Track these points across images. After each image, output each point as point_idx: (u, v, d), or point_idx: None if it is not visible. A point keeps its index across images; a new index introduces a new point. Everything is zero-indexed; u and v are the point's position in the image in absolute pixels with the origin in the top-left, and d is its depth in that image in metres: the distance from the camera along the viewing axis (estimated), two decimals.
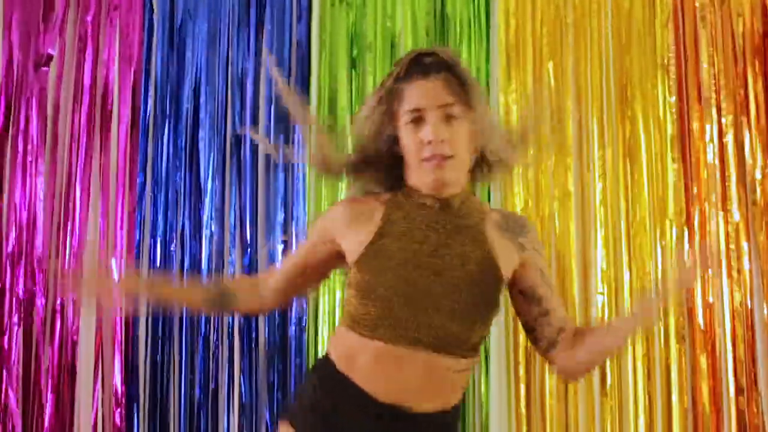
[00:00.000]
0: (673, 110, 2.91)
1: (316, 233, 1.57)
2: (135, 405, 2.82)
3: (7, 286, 2.80)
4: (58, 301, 2.82)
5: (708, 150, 2.88)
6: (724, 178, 2.86)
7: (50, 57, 2.90)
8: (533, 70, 2.96)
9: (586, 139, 2.92)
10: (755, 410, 2.71)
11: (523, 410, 2.79)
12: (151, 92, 2.96)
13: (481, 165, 1.51)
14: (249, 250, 2.89)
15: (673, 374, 2.77)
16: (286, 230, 2.90)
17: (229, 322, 2.87)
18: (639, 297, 1.50)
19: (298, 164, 2.93)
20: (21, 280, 2.81)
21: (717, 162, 2.87)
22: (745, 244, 2.82)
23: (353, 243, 1.48)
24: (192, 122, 2.94)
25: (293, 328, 2.85)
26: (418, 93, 1.43)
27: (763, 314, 2.76)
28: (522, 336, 2.72)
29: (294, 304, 2.86)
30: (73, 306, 2.83)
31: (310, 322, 2.86)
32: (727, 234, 2.83)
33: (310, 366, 2.83)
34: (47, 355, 2.80)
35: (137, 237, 2.89)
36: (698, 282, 2.82)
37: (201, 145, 2.94)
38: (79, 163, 2.88)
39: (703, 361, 2.77)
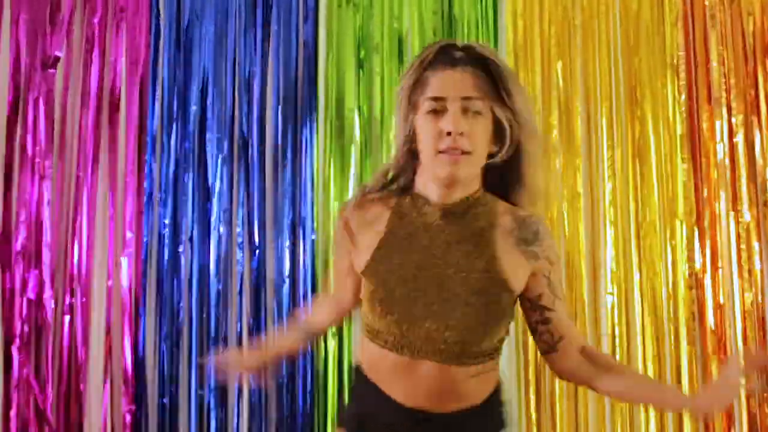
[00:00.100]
0: (683, 110, 2.90)
1: (337, 247, 1.60)
2: (144, 406, 2.82)
3: (17, 287, 2.80)
4: (67, 302, 2.82)
5: (718, 150, 2.87)
6: (734, 178, 2.84)
7: (57, 59, 2.90)
8: (541, 70, 2.95)
9: (596, 140, 2.91)
10: (767, 412, 2.70)
11: (533, 411, 2.77)
12: (159, 94, 2.95)
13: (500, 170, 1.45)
14: (257, 251, 2.88)
15: (684, 376, 2.76)
16: (294, 231, 2.89)
17: (237, 325, 2.86)
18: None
19: (306, 165, 2.92)
20: (29, 282, 2.81)
21: (727, 162, 2.86)
22: (756, 244, 2.80)
23: (361, 251, 1.48)
24: (199, 123, 2.93)
25: None
26: (442, 81, 1.37)
27: None
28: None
29: (303, 302, 2.85)
30: (81, 308, 2.82)
31: None
32: (737, 234, 2.82)
33: (318, 368, 2.83)
34: (57, 356, 2.80)
35: (145, 239, 2.88)
36: (709, 282, 2.80)
37: (208, 146, 2.93)
38: (86, 164, 2.87)
39: (713, 362, 2.75)
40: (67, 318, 2.82)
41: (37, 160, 2.85)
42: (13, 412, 2.75)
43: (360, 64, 2.98)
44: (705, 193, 2.85)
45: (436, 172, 1.39)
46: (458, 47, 1.41)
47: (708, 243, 2.82)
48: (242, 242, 2.90)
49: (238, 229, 2.90)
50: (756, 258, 2.79)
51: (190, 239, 2.89)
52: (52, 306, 2.81)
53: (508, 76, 1.39)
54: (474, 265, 1.39)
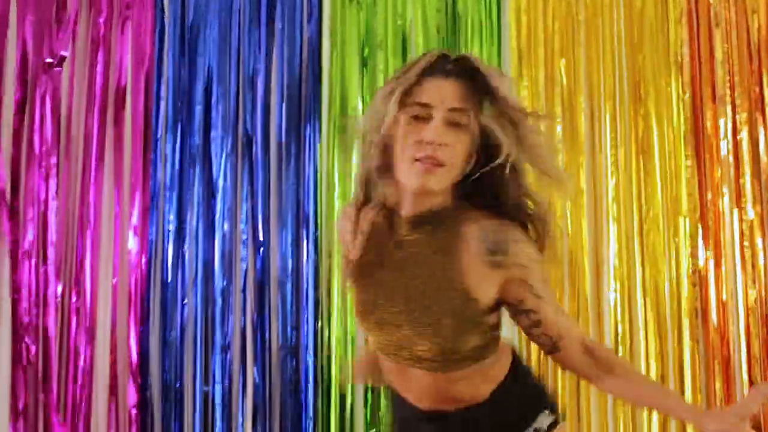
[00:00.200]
0: (687, 107, 2.90)
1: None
2: (149, 402, 2.84)
3: (24, 284, 2.82)
4: (73, 299, 2.84)
5: (722, 147, 2.87)
6: (738, 175, 2.84)
7: (63, 58, 2.92)
8: (545, 67, 2.95)
9: (599, 137, 2.91)
10: None
11: None
12: (163, 92, 2.97)
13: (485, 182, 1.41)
14: (261, 248, 2.90)
15: (687, 372, 2.76)
16: (297, 228, 2.91)
17: (241, 324, 2.88)
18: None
19: (310, 162, 2.93)
20: (36, 279, 2.84)
21: (731, 159, 2.85)
22: (759, 241, 2.80)
23: (349, 261, 1.52)
24: (204, 121, 2.95)
25: (307, 329, 2.86)
26: (432, 89, 1.36)
27: None
28: None
29: (307, 306, 2.87)
30: (87, 304, 2.85)
31: (324, 323, 2.87)
32: (741, 231, 2.81)
33: (321, 367, 2.85)
34: (63, 353, 2.82)
35: (150, 236, 2.90)
36: (712, 279, 2.81)
37: (213, 144, 2.95)
38: (92, 162, 2.90)
39: (716, 359, 2.75)
40: (72, 315, 2.84)
41: (43, 158, 2.88)
42: (21, 407, 2.78)
43: (364, 62, 2.99)
44: (708, 190, 2.84)
45: (410, 180, 1.36)
46: (452, 58, 1.39)
47: (711, 240, 2.82)
48: (246, 239, 2.91)
49: (242, 226, 2.92)
50: (759, 255, 2.79)
51: (195, 237, 2.91)
52: (58, 303, 2.84)
53: (499, 84, 1.36)
54: (438, 276, 1.39)
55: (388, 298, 1.43)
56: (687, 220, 2.84)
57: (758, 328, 2.75)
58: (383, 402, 2.83)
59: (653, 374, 2.75)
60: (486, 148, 1.38)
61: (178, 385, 2.84)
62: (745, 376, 2.73)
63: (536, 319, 1.41)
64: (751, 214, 2.82)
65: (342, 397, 2.84)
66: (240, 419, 2.84)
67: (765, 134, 2.85)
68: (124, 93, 2.94)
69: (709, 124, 2.88)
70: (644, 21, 2.95)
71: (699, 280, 2.81)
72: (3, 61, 2.89)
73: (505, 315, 1.48)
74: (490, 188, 1.41)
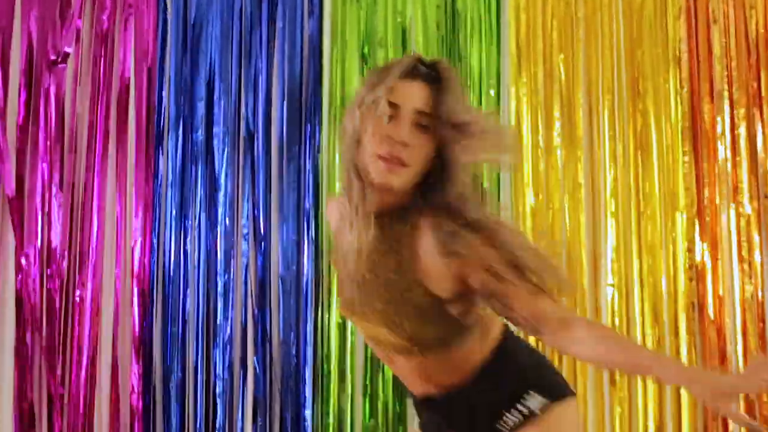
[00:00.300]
0: (685, 102, 2.91)
1: None
2: (152, 394, 2.88)
3: (29, 275, 2.86)
4: (77, 294, 2.88)
5: (720, 142, 2.88)
6: (735, 171, 2.86)
7: (67, 54, 2.97)
8: (544, 63, 2.97)
9: (598, 132, 2.93)
10: (765, 401, 2.72)
11: None
12: (166, 88, 3.01)
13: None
14: (263, 243, 2.93)
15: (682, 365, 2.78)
16: (298, 223, 2.94)
17: (242, 317, 2.91)
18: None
19: (311, 158, 2.96)
20: (40, 270, 2.88)
21: (729, 154, 2.87)
22: (756, 237, 2.82)
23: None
24: (206, 117, 2.99)
25: (307, 322, 2.89)
26: (403, 90, 1.41)
27: None
28: None
29: (307, 298, 2.90)
30: (90, 297, 2.89)
31: (324, 316, 2.90)
32: (738, 226, 2.83)
33: (321, 360, 2.88)
34: (68, 344, 2.86)
35: (153, 231, 2.94)
36: (709, 274, 2.82)
37: (215, 140, 2.98)
38: (96, 157, 2.94)
39: (713, 353, 2.77)
40: (76, 307, 2.88)
41: (48, 152, 2.92)
42: (27, 395, 2.82)
43: (364, 59, 3.02)
44: (706, 186, 2.86)
45: (373, 176, 1.41)
46: (425, 63, 1.45)
47: (708, 235, 2.84)
48: (248, 234, 2.95)
49: (244, 221, 2.95)
50: (756, 250, 2.81)
51: (198, 231, 2.95)
52: (62, 294, 2.88)
53: (453, 88, 1.41)
54: (395, 269, 1.43)
55: (356, 290, 1.48)
56: (684, 215, 2.86)
57: (754, 323, 2.76)
58: (381, 393, 2.86)
59: None
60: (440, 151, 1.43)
61: (179, 377, 2.88)
62: (741, 369, 2.74)
63: (506, 304, 1.39)
64: (748, 209, 2.83)
65: (341, 390, 2.87)
66: (240, 411, 2.87)
67: (762, 130, 2.86)
68: (127, 89, 2.99)
69: (707, 119, 2.89)
70: (643, 17, 2.96)
71: (696, 275, 2.82)
72: (8, 57, 2.93)
73: None
74: (440, 185, 1.44)
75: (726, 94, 2.89)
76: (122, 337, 2.90)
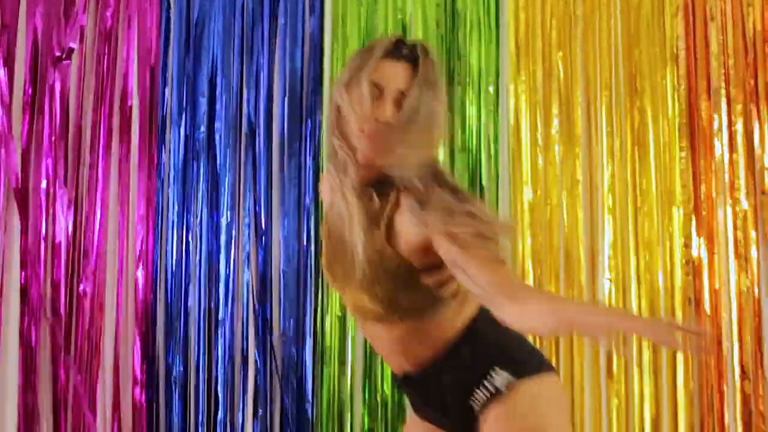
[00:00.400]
0: (682, 99, 2.94)
1: None
2: (154, 391, 2.91)
3: (34, 270, 2.90)
4: (81, 287, 2.92)
5: (716, 139, 2.91)
6: (732, 167, 2.88)
7: (71, 50, 3.01)
8: (542, 61, 3.00)
9: (595, 129, 2.96)
10: (761, 394, 2.74)
11: None
12: (169, 84, 3.05)
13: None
14: (264, 237, 2.97)
15: (680, 361, 2.80)
16: (299, 218, 2.97)
17: (243, 311, 2.94)
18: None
19: (310, 154, 3.00)
20: (44, 265, 2.91)
21: (726, 151, 2.89)
22: (752, 232, 2.84)
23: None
24: (208, 113, 3.03)
25: (307, 315, 2.92)
26: (386, 70, 1.47)
27: None
28: None
29: (307, 292, 2.93)
30: (94, 291, 2.92)
31: (325, 305, 2.93)
32: (734, 222, 2.85)
33: (321, 353, 2.91)
34: (72, 339, 2.90)
35: (156, 226, 2.98)
36: (706, 269, 2.85)
37: (217, 136, 3.02)
38: (99, 152, 2.98)
39: (709, 347, 2.79)
40: (80, 300, 2.92)
41: (52, 148, 2.96)
42: (32, 386, 2.85)
43: None
44: (703, 182, 2.88)
45: (358, 152, 1.48)
46: (406, 44, 1.50)
47: (705, 230, 2.86)
48: (249, 229, 2.98)
49: (245, 216, 2.99)
50: (752, 245, 2.83)
51: (199, 227, 2.98)
52: (66, 288, 2.91)
53: (432, 69, 1.47)
54: (370, 237, 1.48)
55: (339, 257, 1.55)
56: (681, 210, 2.88)
57: (750, 318, 2.79)
58: (380, 385, 2.89)
59: (645, 362, 2.80)
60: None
61: (181, 370, 2.91)
62: (737, 363, 2.77)
63: (466, 271, 1.33)
64: (744, 205, 2.85)
65: (342, 382, 2.89)
66: (242, 404, 2.90)
67: (759, 126, 2.88)
68: (130, 85, 3.03)
69: (704, 116, 2.92)
70: (641, 15, 2.99)
71: (692, 270, 2.85)
72: (14, 53, 2.98)
73: None
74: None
75: (723, 91, 2.92)
76: (125, 330, 2.94)
